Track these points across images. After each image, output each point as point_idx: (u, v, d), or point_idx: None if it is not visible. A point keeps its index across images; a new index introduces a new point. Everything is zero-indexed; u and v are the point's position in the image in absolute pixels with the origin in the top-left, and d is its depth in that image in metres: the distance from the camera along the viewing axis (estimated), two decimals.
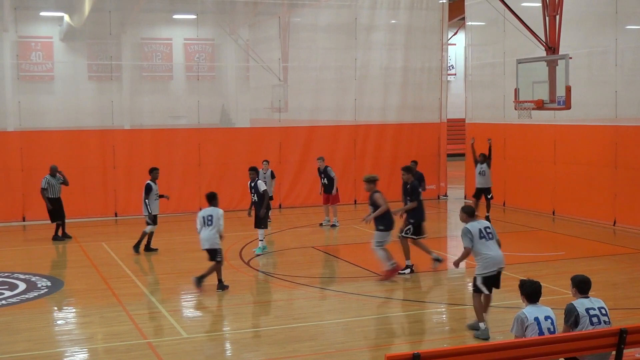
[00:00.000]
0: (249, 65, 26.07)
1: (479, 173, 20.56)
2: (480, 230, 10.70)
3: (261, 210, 16.47)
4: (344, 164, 24.62)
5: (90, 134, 22.70)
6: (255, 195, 16.67)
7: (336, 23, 25.38)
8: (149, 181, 17.08)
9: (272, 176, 20.18)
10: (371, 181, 14.34)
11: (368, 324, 11.84)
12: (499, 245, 10.87)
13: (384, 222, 14.09)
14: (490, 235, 10.76)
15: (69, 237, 18.96)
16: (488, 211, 20.72)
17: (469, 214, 10.98)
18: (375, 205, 14.11)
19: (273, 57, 25.26)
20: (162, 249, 17.65)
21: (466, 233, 10.69)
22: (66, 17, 25.17)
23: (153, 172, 17.18)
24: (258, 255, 16.71)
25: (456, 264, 11.40)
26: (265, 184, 19.99)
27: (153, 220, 17.03)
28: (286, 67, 25.30)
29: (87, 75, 24.51)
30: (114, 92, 23.56)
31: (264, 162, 20.17)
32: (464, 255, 10.86)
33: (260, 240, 16.91)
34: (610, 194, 19.95)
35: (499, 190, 23.06)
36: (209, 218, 13.46)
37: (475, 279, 10.77)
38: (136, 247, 17.11)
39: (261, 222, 16.65)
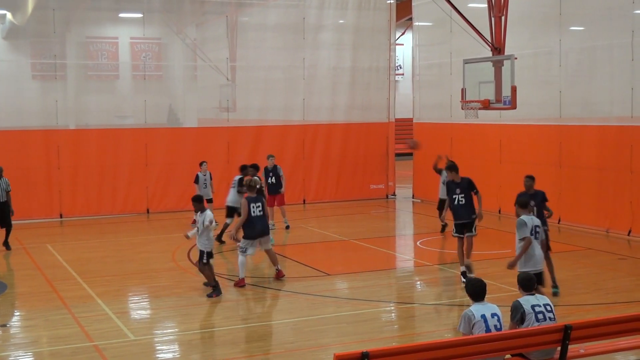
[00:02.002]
0: (197, 65, 25.83)
1: (443, 183, 19.62)
2: (533, 226, 11.07)
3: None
4: (293, 164, 24.61)
5: (34, 134, 22.28)
6: None
7: (284, 23, 25.33)
8: (240, 176, 17.53)
9: (210, 177, 20.07)
10: (250, 187, 14.25)
11: (317, 323, 11.84)
12: (543, 248, 11.23)
13: (246, 230, 14.08)
14: (537, 235, 11.12)
15: (9, 249, 17.69)
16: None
17: (522, 206, 11.38)
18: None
19: (221, 57, 25.09)
20: (109, 251, 17.43)
21: (522, 224, 11.02)
22: (9, 15, 24.61)
23: (246, 169, 17.77)
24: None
25: (516, 259, 11.16)
26: (206, 185, 19.90)
27: (231, 212, 17.51)
28: (234, 67, 25.17)
29: (30, 75, 23.95)
30: (59, 92, 23.13)
31: (203, 164, 19.95)
32: (526, 245, 11.00)
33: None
34: (555, 192, 20.20)
35: None
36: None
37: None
38: (219, 237, 17.56)
39: None
